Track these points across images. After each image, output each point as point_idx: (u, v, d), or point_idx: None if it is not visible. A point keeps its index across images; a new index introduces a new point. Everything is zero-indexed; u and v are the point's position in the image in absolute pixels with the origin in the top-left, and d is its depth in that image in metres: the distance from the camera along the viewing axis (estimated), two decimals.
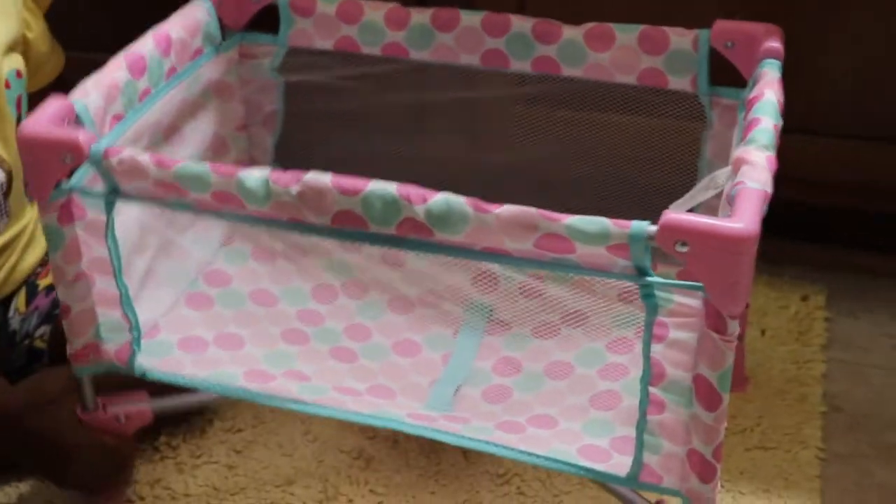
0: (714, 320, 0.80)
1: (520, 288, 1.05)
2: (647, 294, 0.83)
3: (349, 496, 1.18)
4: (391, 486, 1.20)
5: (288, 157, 1.27)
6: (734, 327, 0.80)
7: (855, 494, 1.19)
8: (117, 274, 0.98)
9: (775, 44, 1.05)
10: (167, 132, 1.11)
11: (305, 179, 0.84)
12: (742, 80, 1.09)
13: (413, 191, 0.82)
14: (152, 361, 1.02)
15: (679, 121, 1.14)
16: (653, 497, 0.95)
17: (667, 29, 1.11)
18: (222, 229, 1.20)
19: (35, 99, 1.25)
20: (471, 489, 1.20)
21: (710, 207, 1.00)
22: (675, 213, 0.77)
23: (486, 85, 1.20)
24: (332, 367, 1.06)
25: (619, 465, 0.92)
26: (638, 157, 1.18)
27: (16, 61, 1.21)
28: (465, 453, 1.24)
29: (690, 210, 0.98)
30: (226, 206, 0.88)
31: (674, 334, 0.84)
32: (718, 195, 0.95)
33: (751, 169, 0.85)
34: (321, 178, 0.84)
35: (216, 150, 1.21)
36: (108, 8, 1.63)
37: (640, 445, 0.89)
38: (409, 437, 1.26)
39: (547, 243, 0.81)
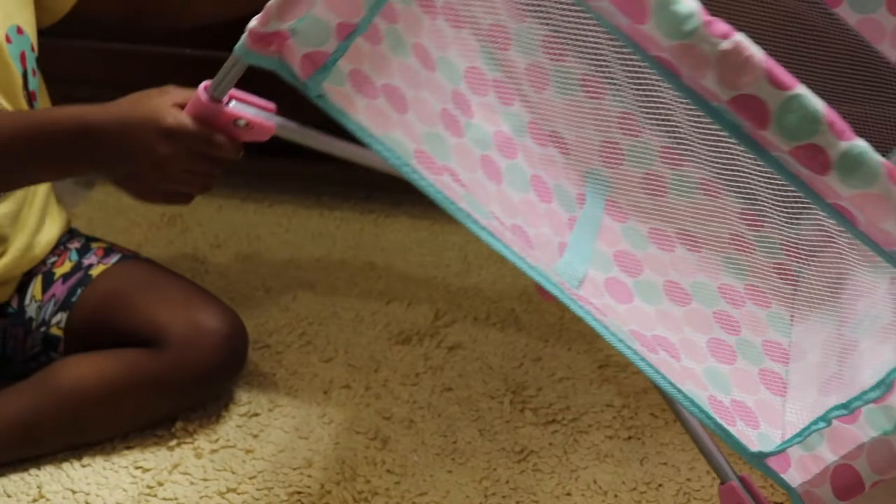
0: None
1: (642, 178, 1.00)
2: None
3: (367, 477, 1.18)
4: (408, 466, 1.20)
5: None
6: None
7: None
8: None
9: None
10: None
11: (739, 41, 0.71)
12: None
13: (839, 121, 0.72)
14: (329, 87, 0.87)
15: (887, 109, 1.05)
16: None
17: None
18: None
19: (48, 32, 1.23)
20: (488, 467, 1.20)
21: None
22: None
23: None
24: (482, 181, 0.96)
25: (745, 435, 0.88)
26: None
27: (16, 18, 1.19)
28: (481, 431, 1.24)
29: None
30: (612, 3, 0.75)
31: None
32: None
33: None
34: (755, 50, 0.71)
35: None
36: None
37: (797, 436, 0.85)
38: (424, 417, 1.26)
39: None
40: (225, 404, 1.28)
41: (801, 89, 0.71)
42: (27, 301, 1.26)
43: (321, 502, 1.16)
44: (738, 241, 0.92)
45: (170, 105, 0.93)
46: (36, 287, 1.26)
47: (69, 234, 1.33)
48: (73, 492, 1.17)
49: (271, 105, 0.95)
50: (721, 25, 0.71)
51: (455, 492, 1.17)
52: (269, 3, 0.82)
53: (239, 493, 1.17)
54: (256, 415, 1.27)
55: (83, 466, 1.20)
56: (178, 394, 1.23)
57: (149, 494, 1.17)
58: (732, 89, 0.72)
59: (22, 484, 1.18)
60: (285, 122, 0.95)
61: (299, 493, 1.17)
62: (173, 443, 1.23)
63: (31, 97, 1.21)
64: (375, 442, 1.23)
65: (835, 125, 0.71)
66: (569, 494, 1.17)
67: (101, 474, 1.19)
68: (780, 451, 0.86)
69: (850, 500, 0.84)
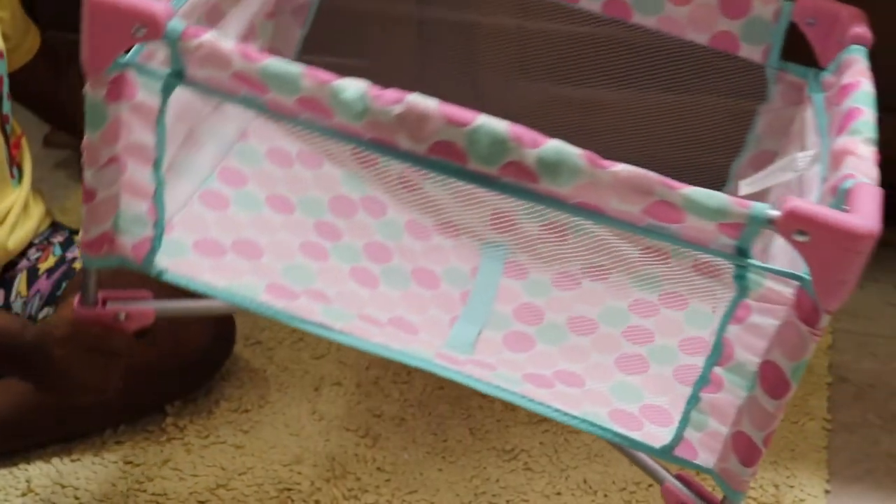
0: (808, 312, 0.78)
1: (540, 230, 1.02)
2: (740, 275, 0.80)
3: (357, 474, 1.18)
4: (398, 464, 1.20)
5: (312, 53, 1.17)
6: (825, 322, 0.78)
7: (862, 464, 1.19)
8: (158, 164, 0.92)
9: (864, 29, 1.01)
10: (207, 10, 1.02)
11: (409, 100, 0.78)
12: (807, 59, 1.06)
13: (525, 133, 0.77)
14: (168, 262, 0.95)
15: (737, 90, 1.11)
16: (673, 467, 0.94)
17: None
18: (237, 123, 1.12)
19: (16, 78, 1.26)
20: (478, 465, 1.20)
21: (764, 190, 0.98)
22: (801, 202, 0.74)
23: (540, 14, 1.14)
24: (353, 290, 1.02)
25: (652, 435, 0.91)
26: (689, 122, 1.15)
27: (1, 43, 1.21)
28: (472, 430, 1.24)
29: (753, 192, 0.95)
30: (309, 113, 0.82)
31: (755, 318, 0.82)
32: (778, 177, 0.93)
33: (860, 163, 0.81)
34: (427, 103, 0.78)
35: (243, 36, 1.11)
36: None
37: (684, 420, 0.88)
38: (415, 415, 1.26)
39: (657, 210, 0.78)
40: (216, 400, 1.28)
41: (482, 119, 0.77)
42: (13, 297, 1.26)
43: (311, 499, 1.16)
44: (650, 254, 0.94)
45: (67, 314, 1.03)
46: (21, 283, 1.26)
47: (52, 227, 1.33)
48: (63, 486, 1.17)
49: (145, 293, 1.02)
50: (390, 94, 0.79)
51: (445, 490, 1.17)
52: (83, 216, 0.92)
53: (228, 489, 1.17)
54: (247, 411, 1.27)
55: (73, 461, 1.20)
56: (166, 382, 1.24)
57: (138, 490, 1.17)
58: (423, 142, 0.79)
59: (11, 478, 1.18)
60: (160, 302, 1.03)
61: (289, 489, 1.17)
62: (163, 438, 1.23)
63: (3, 120, 1.22)
64: (366, 439, 1.23)
65: (522, 138, 0.77)
66: (559, 494, 1.17)
67: (90, 469, 1.19)
68: (678, 439, 0.89)
69: (755, 464, 0.86)
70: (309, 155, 1.11)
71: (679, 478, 0.94)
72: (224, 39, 0.82)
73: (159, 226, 0.94)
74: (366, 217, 1.10)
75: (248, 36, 1.12)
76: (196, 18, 0.97)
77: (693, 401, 0.87)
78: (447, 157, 0.79)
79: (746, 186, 0.96)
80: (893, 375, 1.30)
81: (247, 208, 1.06)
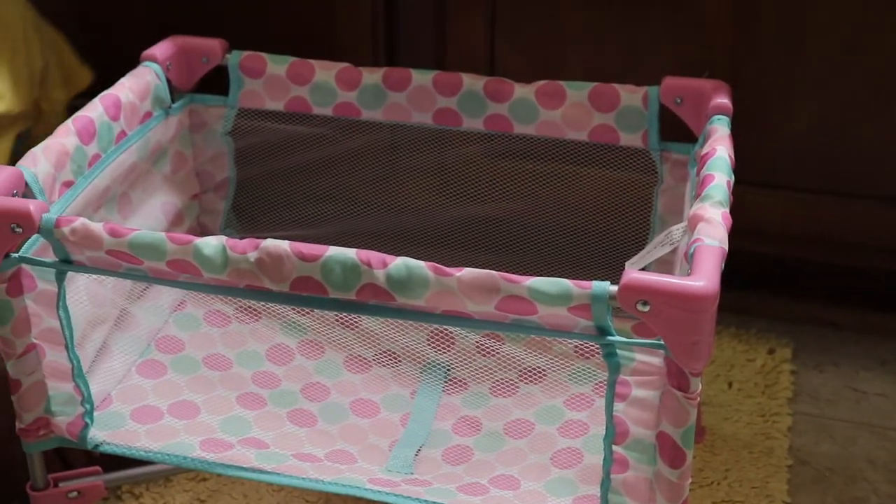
0: (676, 378, 0.81)
1: (476, 346, 1.06)
2: (610, 353, 0.83)
3: None
4: None
5: (241, 219, 1.29)
6: (696, 384, 0.81)
7: None
8: (69, 345, 0.97)
9: (723, 100, 1.07)
10: (119, 200, 1.12)
11: (263, 246, 0.84)
12: (693, 136, 1.11)
13: (373, 256, 0.83)
14: (105, 434, 1.01)
15: (632, 175, 1.16)
16: None
17: (617, 86, 1.13)
18: (173, 295, 1.19)
19: None
20: None
21: (665, 263, 1.01)
22: (636, 273, 0.77)
23: (441, 141, 1.22)
24: (291, 431, 1.06)
25: None
26: (594, 211, 1.20)
27: None
28: None
29: (644, 267, 0.99)
30: (182, 274, 0.88)
31: (636, 392, 0.84)
32: (674, 250, 0.97)
33: (707, 226, 0.86)
34: (279, 245, 0.84)
35: (171, 219, 1.22)
36: None
37: None
38: None
39: (509, 305, 0.81)
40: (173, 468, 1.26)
41: (331, 251, 0.83)
42: None
43: None
44: (583, 350, 0.97)
45: None
46: None
47: None
48: None
49: (95, 468, 1.07)
50: (246, 242, 0.85)
51: None
52: (15, 406, 0.99)
53: None
54: (205, 479, 1.26)
55: None
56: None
57: None
58: (285, 281, 0.85)
59: None
60: (110, 475, 1.09)
61: None
62: None
63: None
64: None
65: (371, 261, 0.82)
66: None
67: None
68: None
69: None
70: (246, 312, 1.18)
71: None
72: (93, 222, 0.88)
73: (88, 402, 1.00)
74: (303, 361, 1.15)
75: (174, 219, 1.23)
76: (101, 206, 1.07)
77: (606, 483, 0.88)
78: (309, 291, 0.85)
79: (631, 265, 0.99)
80: (852, 459, 1.30)
81: (184, 372, 1.12)
